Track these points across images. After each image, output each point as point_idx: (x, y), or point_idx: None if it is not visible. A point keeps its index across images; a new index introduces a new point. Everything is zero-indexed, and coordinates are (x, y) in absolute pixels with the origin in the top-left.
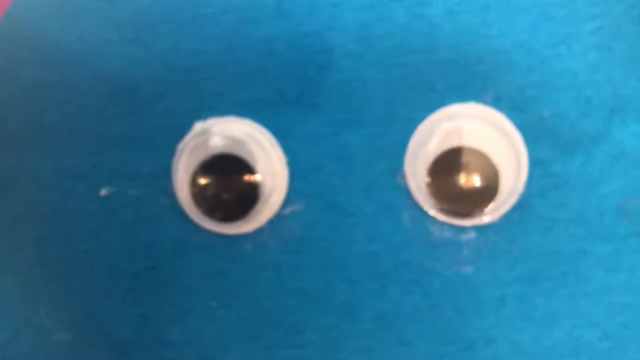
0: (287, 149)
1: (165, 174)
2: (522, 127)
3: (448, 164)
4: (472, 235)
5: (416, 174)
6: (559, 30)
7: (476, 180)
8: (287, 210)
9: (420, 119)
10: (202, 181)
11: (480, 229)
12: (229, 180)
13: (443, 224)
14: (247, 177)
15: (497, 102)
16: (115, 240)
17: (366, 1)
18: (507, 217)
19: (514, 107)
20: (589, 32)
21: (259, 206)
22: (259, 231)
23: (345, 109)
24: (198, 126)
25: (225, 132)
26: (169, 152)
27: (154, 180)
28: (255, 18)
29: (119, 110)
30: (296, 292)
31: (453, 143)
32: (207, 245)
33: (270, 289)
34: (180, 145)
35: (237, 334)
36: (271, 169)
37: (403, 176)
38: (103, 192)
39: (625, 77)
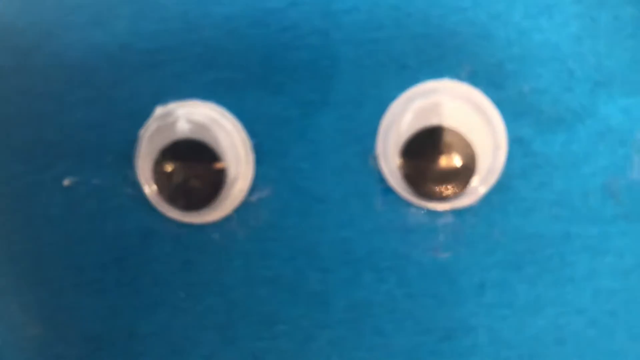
0: (252, 133)
1: (128, 161)
2: (500, 103)
3: (422, 144)
4: (448, 219)
5: (388, 155)
6: (538, 0)
7: (452, 161)
8: (254, 197)
9: (392, 97)
10: (165, 168)
11: (457, 212)
12: (192, 166)
13: (418, 208)
14: (211, 163)
15: (473, 78)
16: (81, 232)
17: None
18: (486, 200)
19: (491, 82)
20: (570, 1)
21: (224, 193)
22: (226, 219)
23: (312, 89)
24: (159, 110)
25: (187, 116)
26: (131, 139)
27: (117, 168)
28: None
29: (78, 96)
30: (266, 282)
31: (427, 122)
32: (174, 235)
33: (239, 278)
34: (142, 131)
35: (207, 326)
36: (236, 154)
37: (375, 158)
38: (66, 182)
39: (610, 48)
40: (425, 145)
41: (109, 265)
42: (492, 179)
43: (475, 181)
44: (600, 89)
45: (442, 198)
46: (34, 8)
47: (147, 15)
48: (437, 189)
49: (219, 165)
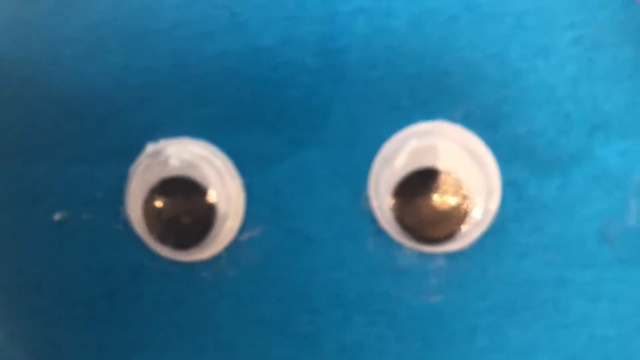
0: (243, 171)
1: (119, 197)
2: (494, 146)
3: (414, 186)
4: (441, 262)
5: (380, 196)
6: (535, 41)
7: (445, 204)
8: (245, 236)
9: (385, 138)
10: (155, 205)
11: (449, 255)
12: (182, 204)
13: (410, 250)
14: (201, 201)
15: (467, 119)
16: (71, 266)
17: (325, 13)
18: (479, 244)
19: (485, 124)
20: (568, 42)
21: (214, 232)
22: (215, 258)
23: (304, 128)
24: (150, 148)
25: (178, 154)
26: (122, 175)
27: (108, 204)
28: (208, 32)
29: (69, 130)
30: (256, 322)
31: (420, 164)
32: (163, 272)
33: (229, 318)
34: (132, 168)
35: None
36: (226, 192)
37: (367, 199)
38: (57, 216)
39: (608, 91)
40: (419, 186)
41: (98, 300)
42: (486, 223)
43: (468, 224)
44: (598, 132)
45: (434, 241)
46: (26, 41)
47: (139, 51)
48: (429, 231)
49: (209, 203)
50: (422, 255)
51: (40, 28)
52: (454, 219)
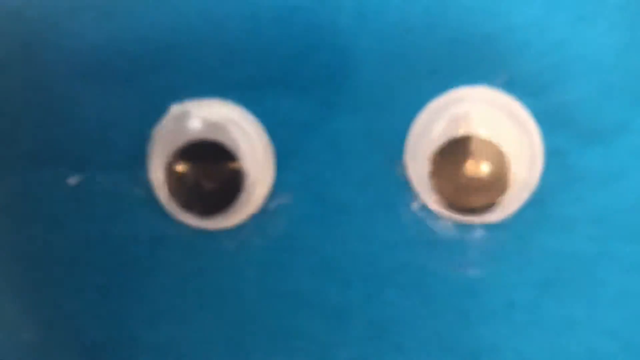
0: (274, 136)
1: (140, 162)
2: (537, 114)
3: (453, 153)
4: (479, 233)
5: (417, 164)
6: (580, 6)
7: (485, 173)
8: (273, 204)
9: (422, 103)
10: (179, 170)
11: (488, 227)
12: (208, 169)
13: (447, 221)
14: (228, 166)
15: (509, 87)
16: (86, 234)
17: None
18: (519, 215)
19: (528, 92)
20: (614, 7)
21: (241, 199)
22: (241, 227)
23: (337, 92)
24: (175, 109)
25: (204, 115)
26: (144, 138)
27: (128, 169)
28: None
29: (88, 91)
30: (282, 294)
31: (460, 131)
32: (185, 241)
33: (253, 290)
34: (156, 130)
35: (217, 339)
36: (255, 157)
37: (402, 167)
38: (72, 180)
39: None
40: (457, 154)
41: (114, 270)
42: (526, 193)
43: (508, 194)
44: None
45: (472, 211)
46: None
47: (163, 9)
48: (468, 201)
49: (237, 168)
50: (460, 226)
51: None
52: (493, 188)
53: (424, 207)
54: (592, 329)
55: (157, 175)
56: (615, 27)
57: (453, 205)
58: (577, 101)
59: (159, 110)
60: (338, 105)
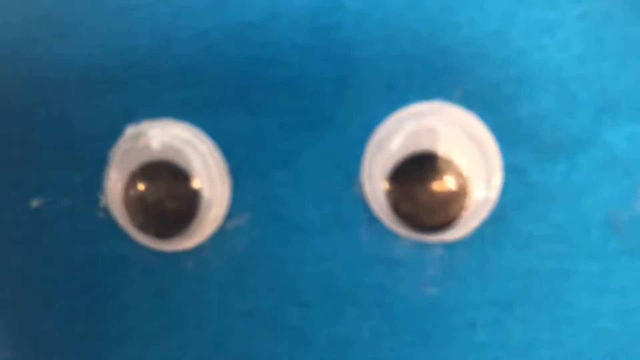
0: (229, 156)
1: (98, 183)
2: (496, 128)
3: (410, 171)
4: (438, 252)
5: (374, 182)
6: (539, 17)
7: (442, 190)
8: (231, 224)
9: (379, 120)
10: (136, 191)
11: (447, 245)
12: (164, 190)
13: (405, 239)
14: (184, 187)
15: (467, 101)
16: (50, 256)
17: None
18: (479, 232)
19: (486, 106)
20: (574, 18)
21: (198, 220)
22: (200, 247)
23: (293, 110)
24: (130, 130)
25: (160, 136)
26: (101, 160)
27: (87, 190)
28: (191, 8)
29: (45, 113)
30: (243, 315)
31: (416, 147)
32: (146, 262)
33: (214, 310)
34: (112, 152)
35: (181, 358)
36: (210, 177)
37: (359, 186)
38: (34, 203)
39: (617, 70)
40: (415, 171)
41: (79, 291)
42: (486, 210)
43: (467, 212)
44: (605, 114)
45: (431, 229)
46: None
47: (117, 29)
48: (426, 219)
49: (193, 189)
50: (419, 244)
51: (12, 5)
52: (452, 206)
53: (381, 226)
54: (556, 349)
55: (115, 197)
56: (576, 37)
57: (411, 223)
58: (538, 115)
59: (116, 132)
60: (293, 124)
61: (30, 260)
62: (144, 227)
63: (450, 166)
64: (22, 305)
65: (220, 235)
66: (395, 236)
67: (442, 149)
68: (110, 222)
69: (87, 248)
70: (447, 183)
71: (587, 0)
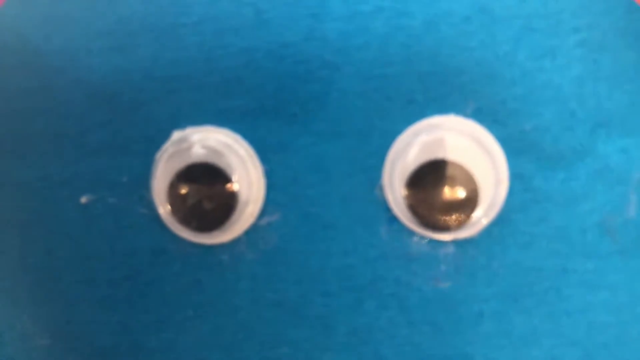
0: (265, 159)
1: (144, 182)
2: (503, 140)
3: (426, 176)
4: (450, 249)
5: (394, 186)
6: (543, 43)
7: (455, 193)
8: (264, 221)
9: (399, 130)
10: (179, 190)
11: (458, 243)
12: (205, 189)
13: (421, 237)
14: (224, 187)
15: (477, 115)
16: (95, 248)
17: (345, 12)
18: (486, 232)
19: (495, 120)
20: (573, 45)
21: (235, 216)
22: (235, 241)
23: (323, 120)
24: (176, 135)
25: (203, 141)
26: (148, 161)
27: (133, 188)
28: (234, 28)
29: (99, 118)
30: (272, 304)
31: (432, 155)
32: (184, 254)
33: (245, 300)
34: (158, 154)
35: (212, 345)
36: (248, 179)
37: (381, 188)
38: (83, 199)
39: (610, 90)
40: (430, 177)
41: (120, 281)
42: (493, 212)
43: (477, 213)
44: (600, 129)
45: (444, 228)
46: (61, 34)
47: (167, 44)
48: (440, 219)
49: (231, 188)
50: (433, 242)
51: (74, 21)
52: (463, 208)
53: (400, 225)
54: (555, 339)
55: (159, 195)
56: (574, 61)
57: (426, 224)
58: (540, 129)
59: (162, 136)
60: (323, 132)
61: (76, 251)
62: (185, 222)
63: (461, 173)
64: (65, 293)
65: (254, 230)
66: (411, 234)
67: (455, 158)
68: (152, 218)
69: (130, 241)
70: (458, 188)
71: (585, 30)
